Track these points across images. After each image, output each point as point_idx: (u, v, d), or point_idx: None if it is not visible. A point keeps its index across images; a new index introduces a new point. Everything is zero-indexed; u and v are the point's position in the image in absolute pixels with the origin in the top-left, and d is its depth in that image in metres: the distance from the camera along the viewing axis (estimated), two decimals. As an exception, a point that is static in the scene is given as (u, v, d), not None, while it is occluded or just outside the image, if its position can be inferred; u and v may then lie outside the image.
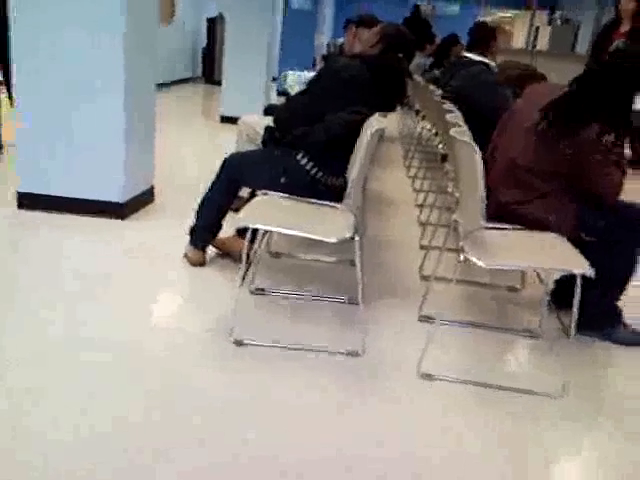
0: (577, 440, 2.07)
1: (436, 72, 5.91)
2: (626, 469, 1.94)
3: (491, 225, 2.48)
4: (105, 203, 3.59)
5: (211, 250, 3.12)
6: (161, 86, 7.06)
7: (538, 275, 3.08)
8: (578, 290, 2.18)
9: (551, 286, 2.88)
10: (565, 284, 2.72)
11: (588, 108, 2.42)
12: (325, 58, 6.53)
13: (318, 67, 6.45)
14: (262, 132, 3.19)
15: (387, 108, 3.15)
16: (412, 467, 1.84)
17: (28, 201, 3.61)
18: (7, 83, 4.16)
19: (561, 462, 1.99)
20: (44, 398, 1.97)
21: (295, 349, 2.39)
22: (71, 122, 3.51)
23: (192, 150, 6.07)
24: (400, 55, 3.09)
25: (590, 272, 2.18)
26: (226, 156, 3.01)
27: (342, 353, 2.39)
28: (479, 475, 1.83)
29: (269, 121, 3.18)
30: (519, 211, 2.56)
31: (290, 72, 4.70)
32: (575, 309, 2.21)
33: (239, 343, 2.38)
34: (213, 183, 3.00)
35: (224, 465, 1.76)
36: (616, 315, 2.65)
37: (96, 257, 3.13)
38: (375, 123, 2.48)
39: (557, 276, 2.89)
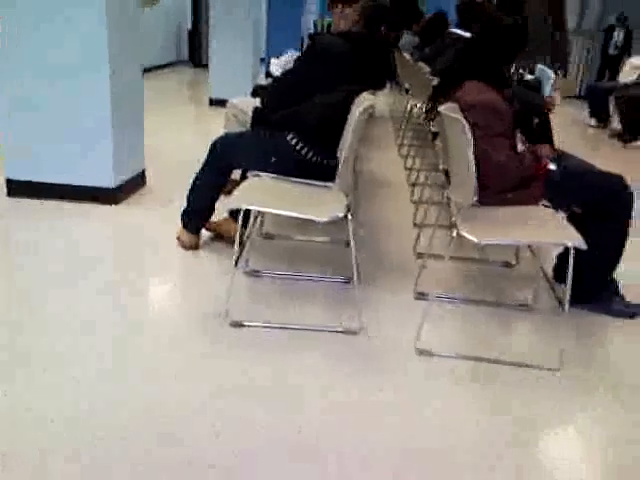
0: (574, 411, 2.09)
1: (426, 50, 5.87)
2: (623, 438, 1.96)
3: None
4: (96, 189, 3.56)
5: (204, 233, 3.11)
6: (147, 70, 6.97)
7: (532, 250, 3.09)
8: (571, 263, 2.19)
9: (553, 261, 2.88)
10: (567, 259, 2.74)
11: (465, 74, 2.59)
12: (311, 37, 6.46)
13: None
14: (251, 114, 3.16)
15: (376, 85, 3.13)
16: (410, 442, 1.86)
17: (17, 188, 3.58)
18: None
19: (557, 433, 2.01)
20: (40, 380, 1.98)
21: (292, 329, 2.39)
22: (56, 107, 3.47)
23: (181, 133, 6.02)
24: (383, 29, 3.07)
25: (582, 244, 2.19)
26: (215, 139, 2.99)
27: (339, 332, 2.40)
28: (474, 448, 1.85)
29: (257, 102, 3.15)
30: (504, 199, 2.57)
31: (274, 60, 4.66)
32: (569, 281, 2.22)
33: (236, 324, 2.38)
34: (203, 166, 2.98)
35: (218, 446, 1.78)
36: (612, 287, 2.67)
37: (88, 242, 3.11)
38: (364, 101, 2.47)
39: (557, 251, 2.89)
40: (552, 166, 2.55)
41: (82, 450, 1.71)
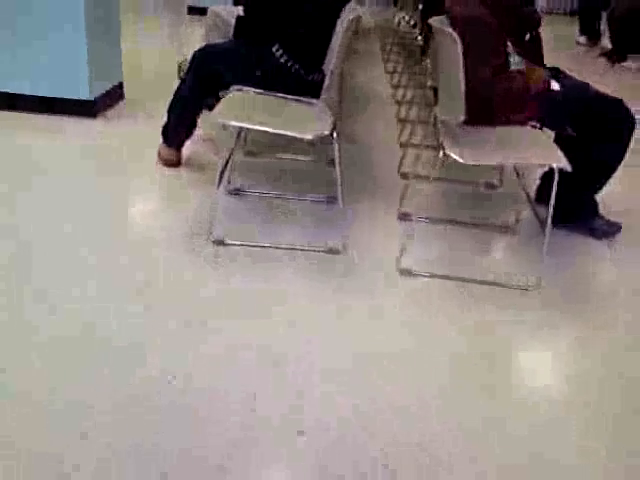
0: (553, 331, 2.13)
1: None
2: (596, 357, 2.03)
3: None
4: (73, 101, 3.44)
5: (186, 149, 3.03)
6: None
7: (516, 171, 3.08)
8: (555, 184, 2.19)
9: (537, 182, 2.87)
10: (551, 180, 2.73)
11: None
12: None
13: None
14: (233, 23, 3.02)
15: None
16: (389, 358, 1.90)
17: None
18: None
19: (535, 353, 2.07)
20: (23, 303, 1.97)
21: (275, 247, 2.39)
22: (28, 14, 3.28)
23: (160, 44, 5.77)
24: None
25: (567, 166, 2.18)
26: (196, 50, 2.87)
27: (322, 251, 2.40)
28: (455, 364, 1.91)
29: (240, 11, 3.00)
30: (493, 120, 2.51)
31: None
32: (552, 203, 2.22)
33: (219, 243, 2.37)
34: (184, 79, 2.87)
35: (208, 362, 1.81)
36: (593, 207, 2.68)
37: (66, 157, 3.04)
38: (351, 12, 2.37)
39: (541, 172, 2.88)
40: (555, 86, 2.48)
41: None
